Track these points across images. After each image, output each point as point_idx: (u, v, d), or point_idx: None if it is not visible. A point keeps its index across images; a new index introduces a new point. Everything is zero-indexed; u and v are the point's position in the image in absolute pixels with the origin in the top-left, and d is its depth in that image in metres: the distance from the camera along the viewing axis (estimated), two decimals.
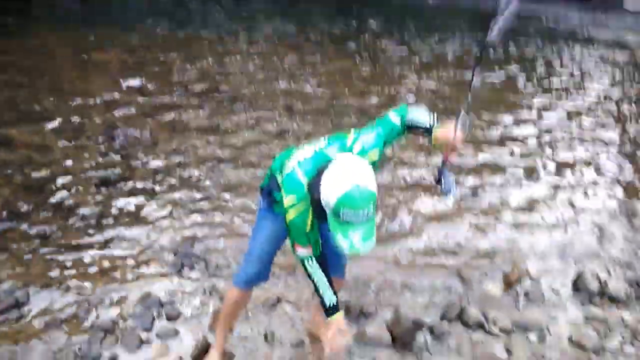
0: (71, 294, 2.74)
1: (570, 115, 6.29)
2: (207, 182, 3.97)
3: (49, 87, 5.39)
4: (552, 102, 6.73)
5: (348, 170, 1.71)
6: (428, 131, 1.98)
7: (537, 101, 6.63)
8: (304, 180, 1.83)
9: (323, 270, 1.99)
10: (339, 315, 2.01)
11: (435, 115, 2.01)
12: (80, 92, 5.30)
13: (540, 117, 6.14)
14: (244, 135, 4.75)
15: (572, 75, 7.99)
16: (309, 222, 1.87)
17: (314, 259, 1.96)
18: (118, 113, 4.94)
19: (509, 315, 2.91)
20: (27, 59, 6.16)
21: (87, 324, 2.57)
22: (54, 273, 2.87)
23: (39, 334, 2.48)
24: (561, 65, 8.44)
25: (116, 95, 5.37)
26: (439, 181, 2.03)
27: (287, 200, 1.84)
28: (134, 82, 5.80)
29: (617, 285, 3.24)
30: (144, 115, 4.97)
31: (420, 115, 2.02)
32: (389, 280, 3.13)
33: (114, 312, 2.66)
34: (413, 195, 4.13)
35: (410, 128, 2.04)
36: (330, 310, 2.00)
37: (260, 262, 2.19)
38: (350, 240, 1.72)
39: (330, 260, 2.18)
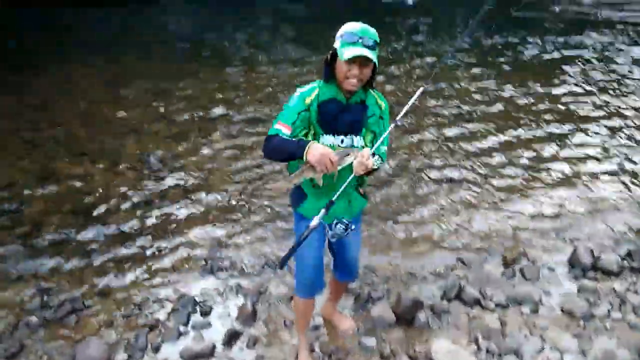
0: (118, 299, 3.21)
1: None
2: (232, 195, 4.40)
3: (83, 121, 5.98)
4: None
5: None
6: None
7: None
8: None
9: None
10: (314, 144, 1.97)
11: None
12: (110, 123, 5.88)
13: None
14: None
15: None
16: (310, 99, 2.07)
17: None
18: (148, 138, 5.47)
19: (505, 292, 3.21)
20: (60, 96, 6.82)
21: (133, 322, 3.01)
22: (103, 281, 3.34)
23: (94, 333, 2.94)
24: None
25: (144, 122, 5.92)
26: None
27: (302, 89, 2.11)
28: (160, 110, 6.36)
29: (610, 259, 3.48)
30: (172, 138, 5.49)
31: None
32: (396, 268, 3.49)
33: (156, 311, 3.10)
34: (417, 186, 4.50)
35: None
36: (302, 149, 1.96)
37: (308, 268, 2.36)
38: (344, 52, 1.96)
39: (342, 266, 2.58)
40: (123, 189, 4.44)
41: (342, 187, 2.10)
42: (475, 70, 8.16)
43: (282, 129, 2.05)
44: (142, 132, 5.67)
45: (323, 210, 2.10)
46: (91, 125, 5.86)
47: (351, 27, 2.02)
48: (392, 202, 4.30)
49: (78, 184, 4.56)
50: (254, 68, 8.59)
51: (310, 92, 2.12)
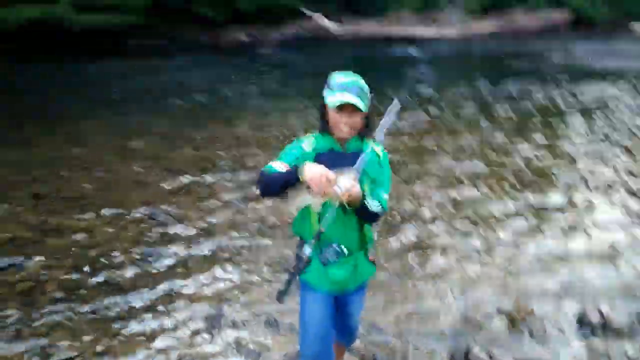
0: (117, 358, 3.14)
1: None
2: (235, 251, 4.37)
3: (89, 174, 6.07)
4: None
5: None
6: None
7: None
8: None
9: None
10: (309, 164, 1.97)
11: None
12: (116, 177, 5.96)
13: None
14: (266, 205, 5.19)
15: None
16: (307, 148, 2.12)
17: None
18: (153, 191, 5.52)
19: (513, 354, 3.13)
20: (68, 150, 6.96)
21: None
22: (103, 340, 3.27)
23: None
24: None
25: (152, 175, 6.00)
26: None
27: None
28: (165, 162, 6.47)
29: (620, 318, 3.41)
30: (177, 192, 5.54)
31: None
32: (401, 327, 3.41)
33: None
34: (423, 242, 4.46)
35: None
36: (296, 171, 1.96)
37: (313, 339, 2.26)
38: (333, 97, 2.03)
39: (341, 328, 2.51)
40: (126, 244, 4.44)
41: (333, 211, 2.07)
42: (483, 124, 8.29)
43: (278, 166, 2.06)
44: (148, 185, 5.74)
45: (313, 241, 2.10)
46: (97, 178, 5.95)
47: (339, 77, 2.09)
48: (398, 258, 4.27)
49: (82, 238, 4.56)
50: (263, 120, 8.78)
51: (307, 142, 2.16)
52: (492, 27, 24.83)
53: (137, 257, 4.25)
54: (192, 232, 4.68)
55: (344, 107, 2.03)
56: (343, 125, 2.06)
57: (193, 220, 4.92)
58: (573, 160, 6.58)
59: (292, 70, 15.62)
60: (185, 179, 5.94)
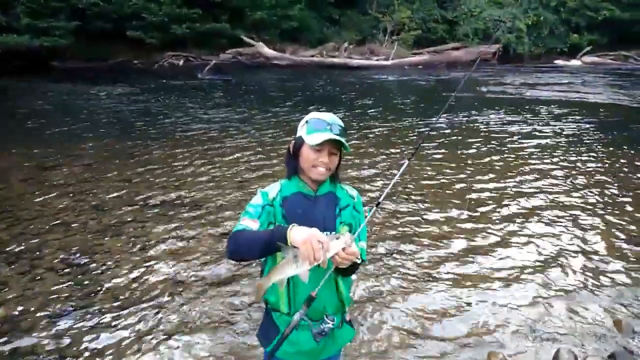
0: None
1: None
2: (174, 305, 3.79)
3: (1, 215, 5.27)
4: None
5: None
6: None
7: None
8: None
9: None
10: (297, 226, 1.66)
11: None
12: (34, 216, 5.21)
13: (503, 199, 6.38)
14: (211, 248, 4.67)
15: None
16: (273, 194, 1.90)
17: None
18: (75, 234, 4.83)
19: None
20: None
21: None
22: None
23: None
24: None
25: (73, 213, 5.31)
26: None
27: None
28: (91, 198, 5.78)
29: None
30: (103, 232, 4.89)
31: None
32: None
33: None
34: (387, 292, 4.11)
35: None
36: (282, 232, 1.66)
37: None
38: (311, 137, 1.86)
39: None
40: (40, 300, 3.76)
41: (324, 279, 1.80)
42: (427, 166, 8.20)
43: (249, 224, 1.83)
44: (69, 225, 5.05)
45: (304, 307, 1.81)
46: (11, 219, 5.18)
47: (319, 114, 1.94)
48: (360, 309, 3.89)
49: None
50: (200, 148, 8.26)
51: (272, 189, 1.94)
52: (426, 59, 25.84)
53: (53, 318, 3.58)
54: (121, 282, 4.05)
55: (323, 147, 1.87)
56: (321, 165, 1.88)
57: (121, 265, 4.29)
58: (526, 205, 6.55)
59: (228, 94, 15.21)
60: (115, 217, 5.29)
